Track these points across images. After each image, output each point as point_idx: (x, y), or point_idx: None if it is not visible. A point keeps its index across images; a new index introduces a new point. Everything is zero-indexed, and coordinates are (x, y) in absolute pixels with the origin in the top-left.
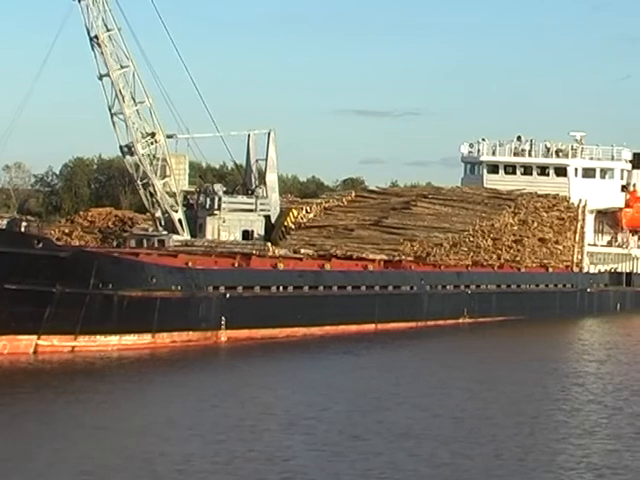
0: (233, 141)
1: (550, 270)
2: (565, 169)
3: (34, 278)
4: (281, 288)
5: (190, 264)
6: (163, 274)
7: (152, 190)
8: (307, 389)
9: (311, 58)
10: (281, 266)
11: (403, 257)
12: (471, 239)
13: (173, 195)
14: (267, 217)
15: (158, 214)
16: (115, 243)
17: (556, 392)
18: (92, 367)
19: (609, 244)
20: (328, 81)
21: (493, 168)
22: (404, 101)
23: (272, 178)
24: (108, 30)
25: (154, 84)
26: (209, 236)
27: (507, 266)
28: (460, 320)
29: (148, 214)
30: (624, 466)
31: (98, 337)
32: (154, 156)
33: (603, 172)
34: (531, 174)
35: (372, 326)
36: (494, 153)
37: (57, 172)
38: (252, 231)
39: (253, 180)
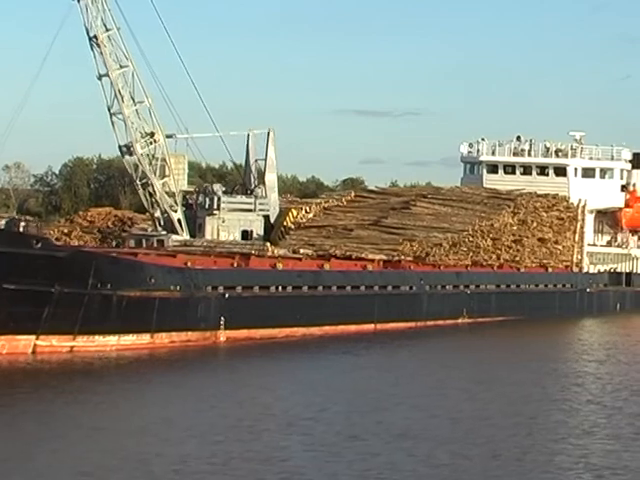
0: (232, 141)
1: (550, 270)
2: (565, 169)
3: (33, 278)
4: (280, 288)
5: (189, 264)
6: (162, 274)
7: (151, 190)
8: (306, 389)
9: (311, 58)
10: (280, 266)
11: (402, 257)
12: (470, 239)
13: (172, 195)
14: (266, 217)
15: (157, 214)
16: (114, 243)
17: (555, 392)
18: (91, 367)
19: (609, 244)
20: (328, 81)
21: (493, 168)
22: (404, 101)
23: (271, 178)
24: (107, 30)
25: (153, 84)
26: (208, 236)
27: (506, 266)
28: (459, 320)
29: (147, 214)
30: (623, 466)
31: (97, 337)
32: (153, 156)
33: (603, 172)
34: (531, 174)
35: (371, 326)
36: (494, 153)
37: (56, 172)
38: (251, 231)
39: (252, 180)
